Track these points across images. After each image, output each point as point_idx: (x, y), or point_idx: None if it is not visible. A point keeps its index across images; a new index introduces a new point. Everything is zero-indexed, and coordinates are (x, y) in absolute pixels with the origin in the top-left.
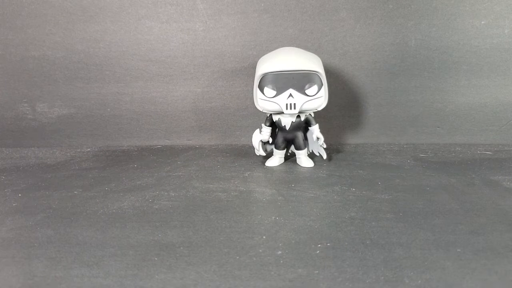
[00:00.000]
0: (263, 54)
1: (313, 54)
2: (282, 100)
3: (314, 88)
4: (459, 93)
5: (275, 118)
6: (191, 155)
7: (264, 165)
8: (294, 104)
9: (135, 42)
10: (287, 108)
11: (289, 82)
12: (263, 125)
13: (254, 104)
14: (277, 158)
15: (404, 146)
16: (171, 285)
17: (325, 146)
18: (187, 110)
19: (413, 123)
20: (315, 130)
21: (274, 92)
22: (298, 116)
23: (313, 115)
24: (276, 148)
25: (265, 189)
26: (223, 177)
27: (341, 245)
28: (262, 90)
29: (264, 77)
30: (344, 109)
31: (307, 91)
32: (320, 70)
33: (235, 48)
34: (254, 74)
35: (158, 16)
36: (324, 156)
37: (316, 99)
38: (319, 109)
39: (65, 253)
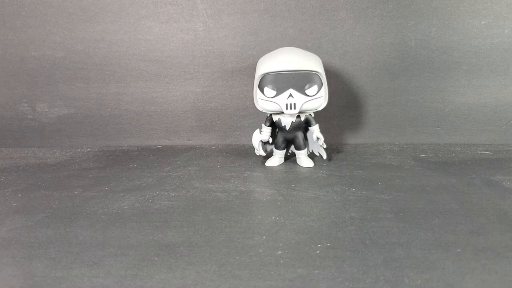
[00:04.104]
0: (263, 54)
1: (313, 54)
2: (282, 100)
3: (314, 88)
4: (459, 93)
5: (275, 118)
6: (191, 155)
7: (264, 165)
8: (294, 104)
9: (135, 42)
10: (287, 108)
11: (289, 82)
12: (263, 125)
13: (254, 104)
14: (277, 158)
15: (404, 146)
16: (171, 285)
17: (325, 146)
18: (187, 110)
19: (413, 123)
20: (315, 130)
21: (274, 92)
22: (298, 116)
23: (313, 115)
24: (276, 148)
25: (265, 189)
26: (223, 177)
27: (341, 245)
28: (262, 90)
29: (264, 77)
30: (344, 109)
31: (307, 91)
32: (320, 70)
33: (235, 48)
34: (254, 74)
35: (158, 16)
36: (324, 156)
37: (316, 99)
38: (319, 109)
39: (65, 253)
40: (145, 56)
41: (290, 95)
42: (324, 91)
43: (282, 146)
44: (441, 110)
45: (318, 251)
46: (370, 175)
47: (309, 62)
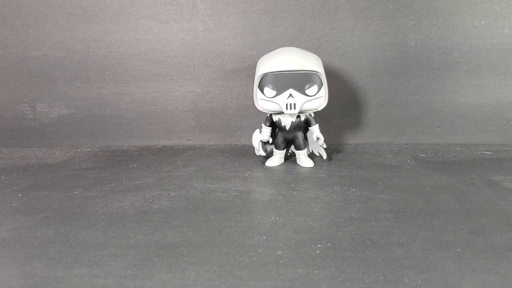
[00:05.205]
0: (263, 54)
1: (313, 54)
2: (282, 100)
3: (314, 88)
4: (459, 93)
5: (275, 118)
6: (191, 155)
7: (264, 165)
8: (294, 104)
9: (135, 42)
10: (287, 108)
11: (289, 82)
12: (263, 125)
13: (254, 104)
14: (277, 158)
15: (404, 146)
16: (171, 285)
17: (325, 146)
18: (187, 110)
19: (413, 123)
20: (315, 130)
21: (274, 92)
22: (298, 116)
23: (313, 115)
24: (276, 148)
25: (265, 189)
26: (223, 177)
27: (341, 245)
28: (262, 90)
29: (264, 77)
30: (344, 109)
31: (307, 91)
32: (320, 70)
33: (235, 48)
34: (254, 74)
35: (158, 16)
36: (324, 156)
37: (316, 99)
38: (319, 109)
39: (65, 253)
40: (145, 56)
41: (290, 95)
42: (324, 91)
43: (282, 146)
44: (441, 110)
45: (318, 251)
46: (370, 175)
47: (309, 62)
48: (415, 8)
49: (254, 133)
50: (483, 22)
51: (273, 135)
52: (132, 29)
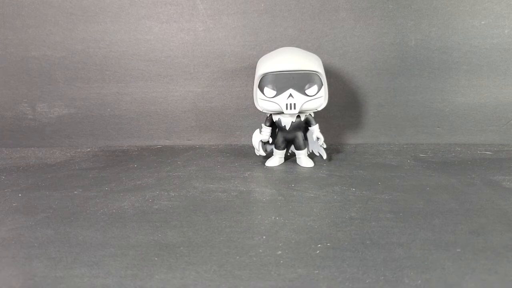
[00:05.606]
0: (263, 54)
1: (313, 54)
2: (282, 100)
3: (314, 88)
4: (459, 93)
5: (275, 118)
6: (191, 155)
7: (264, 165)
8: (294, 104)
9: (135, 42)
10: (287, 108)
11: (289, 82)
12: (263, 125)
13: (254, 104)
14: (277, 158)
15: (404, 146)
16: (171, 285)
17: (325, 146)
18: (187, 110)
19: (413, 123)
20: (315, 130)
21: (274, 92)
22: (298, 116)
23: (313, 115)
24: (276, 148)
25: (265, 189)
26: (223, 177)
27: (341, 245)
28: (262, 90)
29: (264, 77)
30: (344, 109)
31: (307, 91)
32: (320, 70)
33: (235, 48)
34: (254, 74)
35: (158, 16)
36: (324, 156)
37: (316, 99)
38: (319, 109)
39: (65, 253)
40: (145, 56)
41: (290, 95)
42: (324, 91)
43: (282, 146)
44: (441, 110)
45: (318, 251)
46: (370, 175)
47: (309, 62)
48: (415, 8)
49: (254, 133)
50: (483, 22)
51: (273, 135)
52: (132, 29)
